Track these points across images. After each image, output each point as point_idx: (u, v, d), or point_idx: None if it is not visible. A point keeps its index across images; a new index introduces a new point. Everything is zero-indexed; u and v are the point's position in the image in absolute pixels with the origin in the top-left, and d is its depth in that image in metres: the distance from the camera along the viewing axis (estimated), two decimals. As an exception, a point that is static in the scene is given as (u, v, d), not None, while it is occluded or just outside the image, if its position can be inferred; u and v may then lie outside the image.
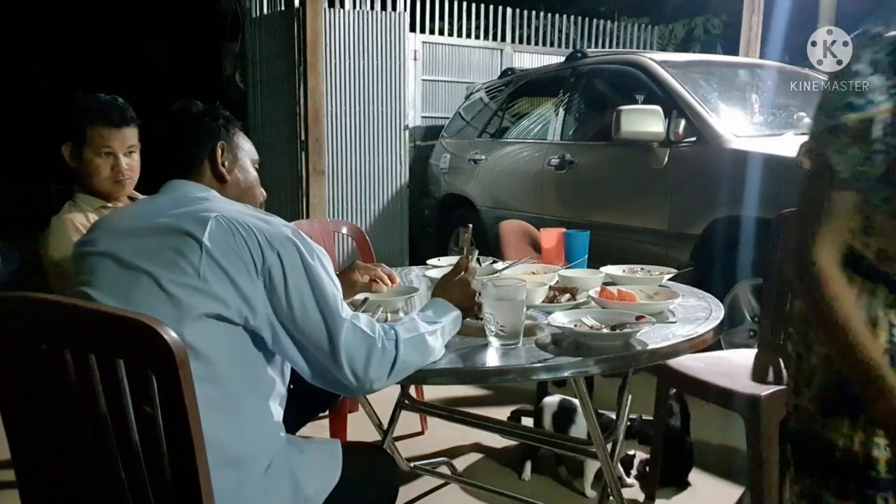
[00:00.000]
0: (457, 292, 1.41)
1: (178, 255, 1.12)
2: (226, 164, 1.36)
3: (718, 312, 1.68)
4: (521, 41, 7.47)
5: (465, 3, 7.13)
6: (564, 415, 2.32)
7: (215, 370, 1.11)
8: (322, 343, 1.16)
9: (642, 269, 2.04)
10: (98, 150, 1.89)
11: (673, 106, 3.43)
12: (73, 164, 1.92)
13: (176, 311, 1.09)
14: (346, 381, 1.17)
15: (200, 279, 1.11)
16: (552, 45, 7.67)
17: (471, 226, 1.74)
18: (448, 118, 5.91)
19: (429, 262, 2.24)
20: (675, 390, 2.26)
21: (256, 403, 1.19)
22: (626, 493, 2.22)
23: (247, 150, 1.43)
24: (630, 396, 2.00)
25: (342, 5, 5.90)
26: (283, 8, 5.78)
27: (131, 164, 1.95)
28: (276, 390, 1.24)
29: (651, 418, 2.22)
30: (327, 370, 1.18)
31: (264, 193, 1.48)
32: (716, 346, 2.31)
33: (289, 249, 1.16)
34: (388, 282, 1.76)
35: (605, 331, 1.42)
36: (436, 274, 1.95)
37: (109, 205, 1.95)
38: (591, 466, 2.26)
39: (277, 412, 1.24)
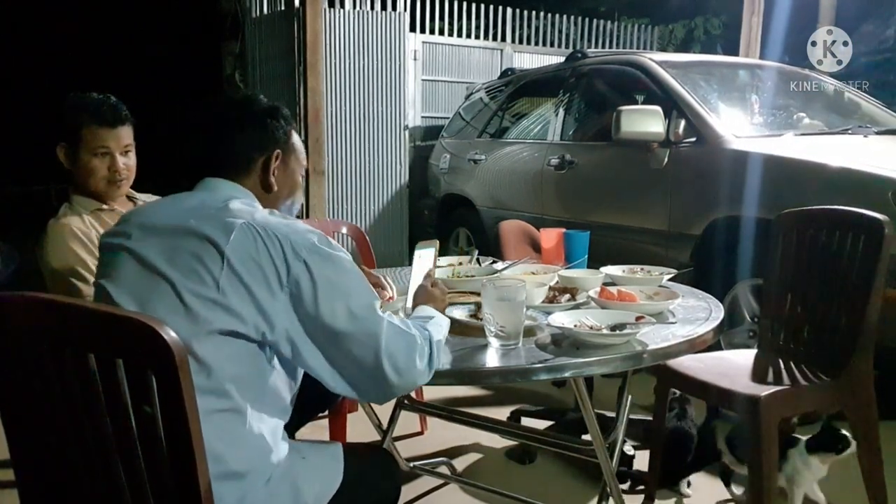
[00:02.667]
0: (428, 298, 1.45)
1: (198, 263, 1.10)
2: (276, 173, 1.30)
3: (718, 313, 1.68)
4: (521, 41, 7.47)
5: (465, 3, 7.13)
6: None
7: (223, 384, 1.09)
8: (360, 348, 1.13)
9: (642, 269, 2.04)
10: (94, 151, 1.87)
11: (673, 106, 3.43)
12: (69, 165, 1.89)
13: (191, 324, 1.08)
14: (386, 380, 1.15)
15: (219, 292, 1.08)
16: (552, 45, 7.67)
17: (437, 241, 1.74)
18: (448, 118, 5.91)
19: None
20: (677, 392, 2.26)
21: (262, 418, 1.17)
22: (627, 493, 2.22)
23: (300, 157, 1.37)
24: (630, 396, 2.00)
25: (342, 5, 5.91)
26: (283, 8, 5.78)
27: (128, 164, 1.93)
28: (283, 405, 1.22)
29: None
30: (360, 374, 1.15)
31: (302, 201, 1.43)
32: (716, 346, 2.30)
33: (316, 258, 1.13)
34: (389, 292, 1.75)
35: (605, 331, 1.42)
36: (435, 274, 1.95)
37: (105, 206, 1.93)
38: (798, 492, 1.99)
39: (281, 425, 1.22)
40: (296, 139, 1.37)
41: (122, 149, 1.91)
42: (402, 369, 1.16)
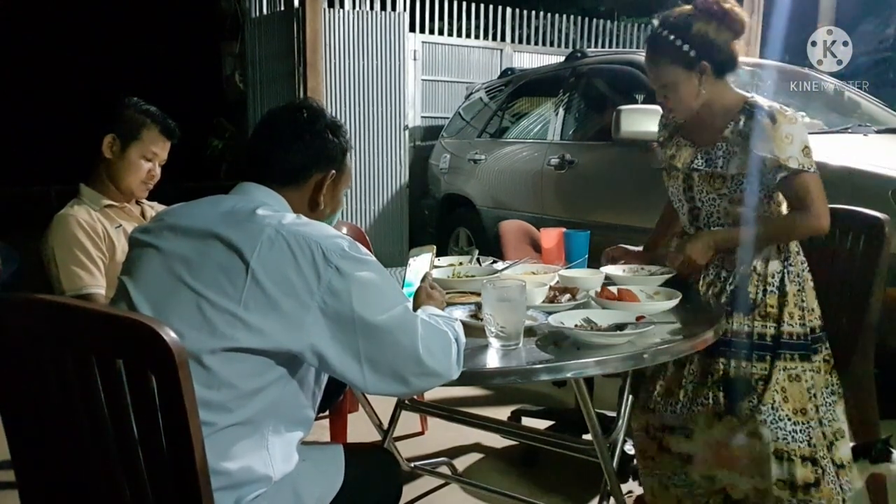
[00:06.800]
0: (428, 299, 1.45)
1: (222, 274, 1.08)
2: (325, 192, 1.28)
3: (719, 312, 1.68)
4: (520, 41, 7.47)
5: (464, 3, 7.13)
6: None
7: (235, 400, 1.08)
8: (398, 344, 1.13)
9: (642, 268, 2.04)
10: (145, 151, 1.98)
11: (673, 105, 3.43)
12: (110, 155, 1.97)
13: (208, 336, 1.06)
14: (426, 372, 1.15)
15: (241, 306, 1.06)
16: (552, 44, 7.67)
17: (434, 247, 1.76)
18: (448, 118, 5.91)
19: (429, 262, 2.24)
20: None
21: (280, 432, 1.15)
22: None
23: (349, 179, 1.35)
24: (630, 396, 2.00)
25: (342, 5, 5.90)
26: (282, 8, 5.78)
27: (157, 175, 2.05)
28: (303, 417, 1.21)
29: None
30: (399, 368, 1.14)
31: (338, 217, 1.42)
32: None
33: (348, 262, 1.11)
34: None
35: (605, 331, 1.42)
36: (435, 274, 1.95)
37: (116, 204, 2.00)
38: None
39: (299, 437, 1.21)
40: (348, 159, 1.34)
41: (162, 160, 2.04)
42: (439, 362, 1.16)
